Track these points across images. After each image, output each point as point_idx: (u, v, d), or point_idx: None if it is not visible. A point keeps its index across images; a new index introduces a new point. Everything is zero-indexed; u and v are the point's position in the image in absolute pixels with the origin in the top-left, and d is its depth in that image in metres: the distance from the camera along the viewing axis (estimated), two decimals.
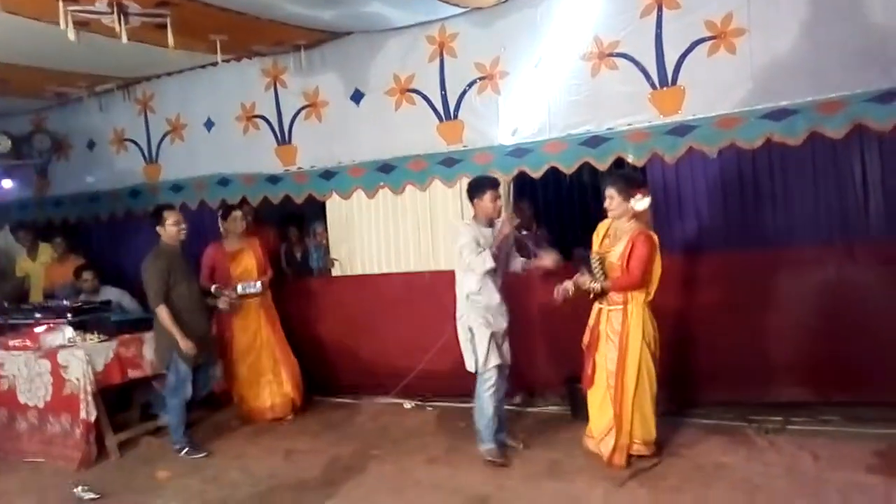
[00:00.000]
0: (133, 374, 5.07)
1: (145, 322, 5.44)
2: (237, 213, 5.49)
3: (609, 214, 4.03)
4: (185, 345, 4.70)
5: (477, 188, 4.36)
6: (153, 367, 5.19)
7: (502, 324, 4.32)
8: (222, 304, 5.26)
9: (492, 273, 4.25)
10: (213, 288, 5.30)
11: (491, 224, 4.33)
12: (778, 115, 4.42)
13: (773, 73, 4.43)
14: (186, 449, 4.84)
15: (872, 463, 3.73)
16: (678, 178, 4.92)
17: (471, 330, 4.26)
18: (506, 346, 4.38)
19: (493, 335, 4.25)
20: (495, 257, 4.20)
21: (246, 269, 5.40)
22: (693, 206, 4.95)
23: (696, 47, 4.61)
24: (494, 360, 4.25)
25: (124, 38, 4.50)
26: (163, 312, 4.73)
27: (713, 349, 4.66)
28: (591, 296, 4.10)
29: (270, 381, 5.44)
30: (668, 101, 4.73)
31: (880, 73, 4.18)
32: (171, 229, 4.88)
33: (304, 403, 5.41)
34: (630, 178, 4.13)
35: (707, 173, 4.86)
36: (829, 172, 4.56)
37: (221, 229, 5.51)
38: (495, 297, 4.30)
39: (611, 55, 4.85)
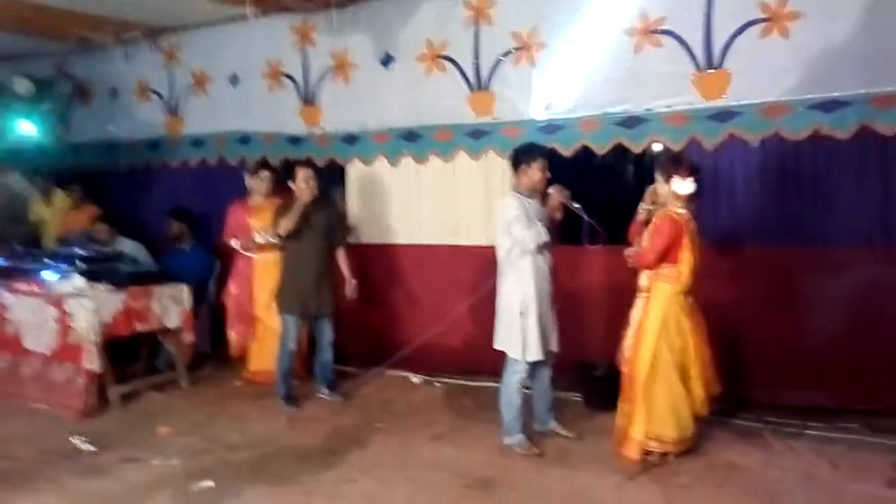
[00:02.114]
0: (141, 326, 5.00)
1: (158, 276, 5.39)
2: (266, 174, 5.43)
3: (657, 198, 3.82)
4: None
5: (525, 155, 4.05)
6: (160, 322, 5.11)
7: (549, 307, 4.07)
8: (239, 246, 5.36)
9: (544, 249, 4.00)
10: (233, 242, 5.36)
11: (533, 196, 4.05)
12: (828, 106, 4.20)
13: (827, 62, 4.20)
14: (281, 401, 4.87)
15: (893, 476, 3.55)
16: (716, 166, 4.69)
17: (521, 315, 3.94)
18: (555, 334, 4.11)
19: (543, 323, 4.00)
20: (547, 231, 3.94)
21: (266, 224, 5.26)
22: (728, 198, 4.72)
23: (748, 29, 4.38)
24: (537, 355, 3.98)
25: None
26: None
27: (734, 346, 4.47)
28: (629, 264, 3.90)
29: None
30: (712, 84, 4.51)
31: None
32: (301, 186, 4.82)
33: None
34: (674, 158, 3.92)
35: (747, 163, 4.63)
36: (875, 171, 4.31)
37: (248, 185, 5.46)
38: (547, 278, 4.05)
39: (655, 32, 4.63)
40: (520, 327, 3.96)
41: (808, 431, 4.19)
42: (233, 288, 5.55)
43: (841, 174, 4.38)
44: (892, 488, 3.42)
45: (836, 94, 4.18)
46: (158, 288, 5.17)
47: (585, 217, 4.01)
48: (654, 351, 3.73)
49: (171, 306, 5.20)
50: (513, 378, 4.04)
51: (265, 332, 5.33)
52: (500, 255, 4.05)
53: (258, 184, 5.41)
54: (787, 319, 4.49)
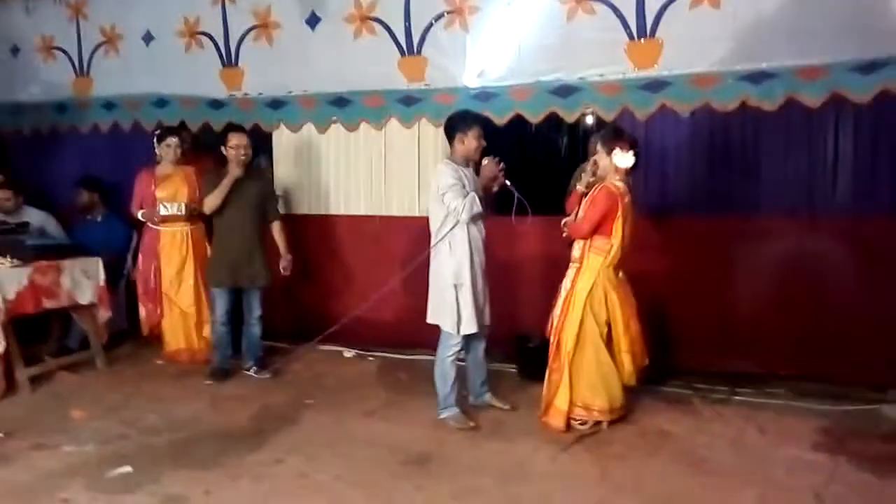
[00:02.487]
0: (48, 303, 4.65)
1: (67, 249, 5.04)
2: (173, 140, 5.08)
3: (597, 171, 3.78)
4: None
5: (461, 123, 3.91)
6: (71, 298, 4.78)
7: (483, 279, 3.98)
8: (144, 217, 5.08)
9: (478, 219, 3.90)
10: (139, 213, 5.04)
11: (468, 164, 3.94)
12: (756, 77, 4.25)
13: (756, 33, 4.24)
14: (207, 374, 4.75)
15: (818, 440, 3.68)
16: (647, 137, 4.69)
17: (455, 287, 3.84)
18: (488, 307, 4.02)
19: (477, 296, 3.90)
20: (481, 201, 3.83)
21: (172, 193, 5.01)
22: (659, 169, 4.74)
23: None
24: (472, 328, 3.89)
25: None
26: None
27: (663, 315, 4.54)
28: (564, 234, 3.88)
29: (192, 322, 5.08)
30: (644, 53, 4.49)
31: (863, 43, 4.04)
32: (230, 152, 4.58)
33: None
34: (616, 131, 3.88)
35: (677, 134, 4.65)
36: (801, 143, 4.40)
37: (157, 153, 5.11)
38: (480, 249, 3.94)
39: None
40: (454, 300, 3.87)
41: (736, 398, 4.31)
42: (140, 263, 5.25)
43: (768, 145, 4.46)
44: (817, 451, 3.54)
45: (763, 65, 4.23)
46: (69, 262, 4.82)
47: (516, 193, 3.91)
48: (580, 321, 3.74)
49: (83, 281, 4.87)
50: (447, 352, 3.97)
51: (173, 310, 5.09)
52: (434, 224, 3.93)
53: (165, 150, 5.08)
54: (716, 288, 4.58)
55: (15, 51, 6.46)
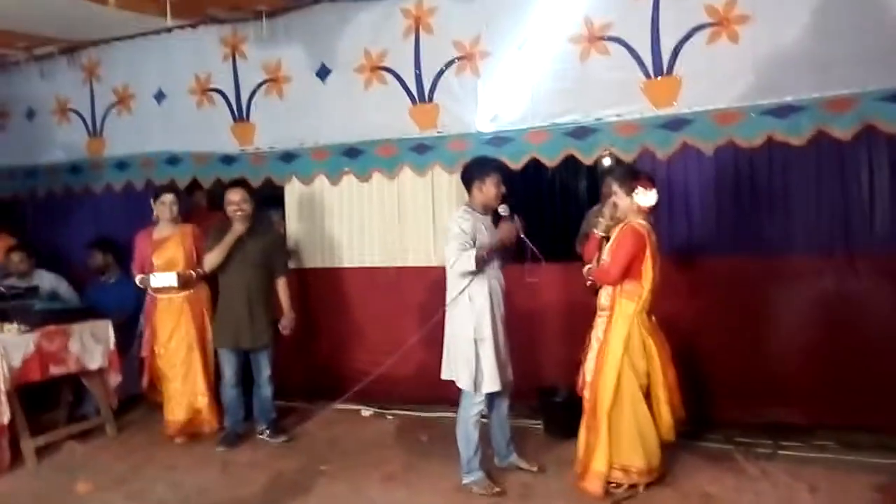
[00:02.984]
0: (56, 370, 4.51)
1: (77, 312, 4.93)
2: (168, 198, 4.78)
3: (615, 212, 3.61)
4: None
5: (479, 170, 3.76)
6: (80, 363, 4.64)
7: (503, 333, 3.77)
8: (141, 284, 4.83)
9: (495, 271, 3.73)
10: (137, 279, 4.82)
11: (487, 212, 3.77)
12: (781, 111, 4.06)
13: (778, 66, 4.07)
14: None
15: (875, 498, 3.38)
16: (669, 176, 4.51)
17: (476, 342, 3.63)
18: (509, 364, 3.80)
19: (499, 350, 3.69)
20: (499, 252, 3.66)
21: (169, 260, 4.73)
22: (684, 208, 4.55)
23: (695, 34, 4.24)
24: (495, 385, 3.66)
25: None
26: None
27: (698, 364, 4.28)
28: (587, 283, 3.68)
29: (181, 392, 4.72)
30: (662, 91, 4.34)
31: (892, 71, 3.83)
32: (227, 209, 4.48)
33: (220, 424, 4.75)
34: (634, 171, 3.72)
35: (701, 172, 4.46)
36: (834, 177, 4.19)
37: (154, 212, 4.87)
38: (500, 300, 3.74)
39: (602, 38, 4.44)
40: (474, 355, 3.65)
41: (781, 452, 4.01)
42: (145, 329, 4.96)
43: (799, 181, 4.24)
44: None
45: (788, 98, 4.05)
46: (78, 326, 4.70)
47: (529, 244, 3.73)
48: (618, 374, 3.48)
49: (92, 345, 4.74)
50: (470, 412, 3.73)
51: (167, 381, 4.75)
52: (450, 273, 3.73)
53: (160, 209, 4.77)
54: (751, 333, 4.32)
55: (30, 114, 6.51)
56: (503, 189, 3.75)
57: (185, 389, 4.72)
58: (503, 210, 3.74)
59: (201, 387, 4.73)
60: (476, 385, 3.65)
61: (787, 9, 4.04)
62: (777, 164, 4.28)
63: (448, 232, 3.71)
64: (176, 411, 4.72)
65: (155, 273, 4.70)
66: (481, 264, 3.60)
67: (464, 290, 3.66)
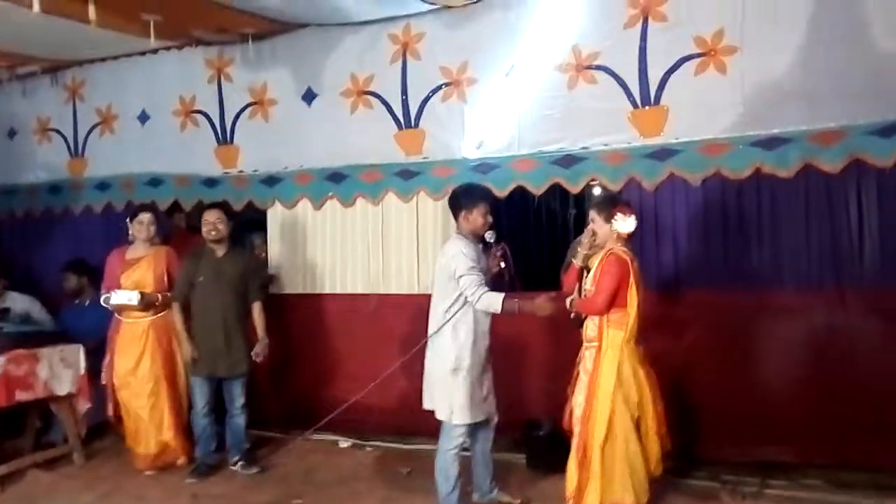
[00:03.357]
0: (22, 395, 4.35)
1: (48, 336, 4.78)
2: (146, 217, 4.62)
3: (595, 240, 3.54)
4: (185, 349, 4.40)
5: (467, 198, 3.69)
6: (48, 389, 4.48)
7: (488, 367, 3.69)
8: (103, 303, 4.60)
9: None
10: (102, 297, 4.61)
11: (474, 239, 3.69)
12: (769, 143, 4.03)
13: (766, 98, 4.05)
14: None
15: None
16: (656, 207, 4.46)
17: (454, 371, 3.53)
18: (492, 396, 3.72)
19: (479, 382, 3.60)
20: (486, 280, 3.58)
21: (137, 281, 4.54)
22: (671, 239, 4.48)
23: (683, 64, 4.22)
24: (472, 416, 3.56)
25: (36, 7, 3.87)
26: (173, 311, 4.44)
27: (684, 400, 4.17)
28: (572, 315, 3.59)
29: (146, 424, 4.52)
30: (649, 121, 4.30)
31: (882, 104, 3.83)
32: (203, 229, 4.40)
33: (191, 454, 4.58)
34: (612, 198, 3.70)
35: (689, 203, 4.41)
36: (822, 210, 4.13)
37: (130, 232, 4.69)
38: (486, 333, 3.65)
39: (590, 67, 4.42)
40: (455, 386, 3.55)
41: (768, 490, 3.89)
42: (107, 354, 4.71)
43: (788, 214, 4.18)
44: None
45: (776, 130, 4.02)
46: (48, 350, 4.56)
47: (512, 271, 3.69)
48: (610, 409, 3.36)
49: (61, 370, 4.59)
50: (450, 444, 3.60)
51: (129, 412, 4.55)
52: (441, 303, 3.62)
53: (137, 228, 4.59)
54: (738, 368, 4.22)
55: (12, 133, 6.43)
56: (490, 219, 3.69)
57: (152, 422, 4.51)
58: (489, 237, 3.68)
59: (169, 421, 4.53)
60: (453, 416, 3.54)
61: (774, 41, 4.03)
62: (765, 196, 4.22)
63: (448, 264, 3.60)
64: (143, 444, 4.52)
65: (117, 290, 4.50)
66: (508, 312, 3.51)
67: (448, 320, 3.56)
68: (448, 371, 3.55)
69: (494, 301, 3.47)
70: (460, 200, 3.72)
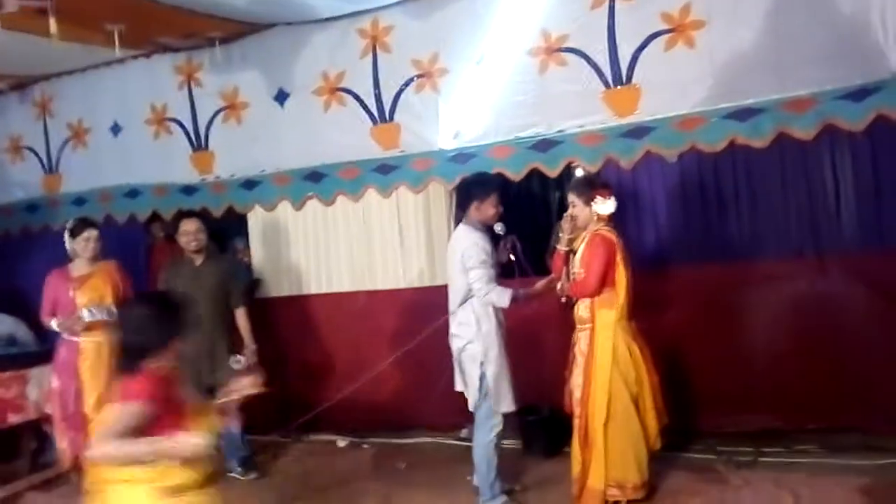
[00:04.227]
0: (13, 418, 4.36)
1: (36, 357, 4.74)
2: (93, 233, 4.39)
3: (576, 224, 3.58)
4: None
5: (479, 189, 3.71)
6: (39, 409, 4.45)
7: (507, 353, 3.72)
8: (60, 327, 4.30)
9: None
10: (53, 323, 4.31)
11: (483, 229, 3.71)
12: (742, 114, 4.03)
13: (736, 70, 4.05)
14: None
15: (859, 501, 3.32)
16: (635, 185, 4.48)
17: (483, 365, 3.57)
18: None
19: (508, 371, 3.64)
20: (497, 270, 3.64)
21: (96, 297, 4.33)
22: (651, 216, 4.51)
23: (652, 42, 4.20)
24: (510, 405, 3.63)
25: None
26: None
27: (674, 374, 4.19)
28: (562, 299, 3.62)
29: None
30: (622, 100, 4.30)
31: (852, 69, 3.82)
32: (181, 240, 4.34)
33: None
34: (590, 180, 3.71)
35: (666, 179, 4.43)
36: (798, 178, 4.18)
37: (68, 249, 4.44)
38: (502, 320, 3.68)
39: (559, 50, 4.40)
40: (490, 378, 3.59)
41: (763, 459, 3.95)
42: (56, 383, 4.36)
43: (765, 184, 4.23)
44: None
45: (749, 101, 4.02)
46: (37, 370, 4.55)
47: (522, 261, 3.73)
48: (609, 388, 3.40)
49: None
50: (488, 435, 3.63)
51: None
52: (457, 294, 3.68)
53: (82, 246, 4.35)
54: (725, 340, 4.27)
55: None
56: (501, 209, 3.71)
57: None
58: (499, 228, 3.71)
59: None
60: (493, 406, 3.59)
61: (741, 12, 4.03)
62: (741, 168, 4.26)
63: (461, 255, 3.63)
64: None
65: (85, 308, 4.27)
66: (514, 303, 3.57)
67: (467, 309, 3.62)
68: (478, 365, 3.60)
69: (502, 298, 3.54)
70: (472, 190, 3.75)
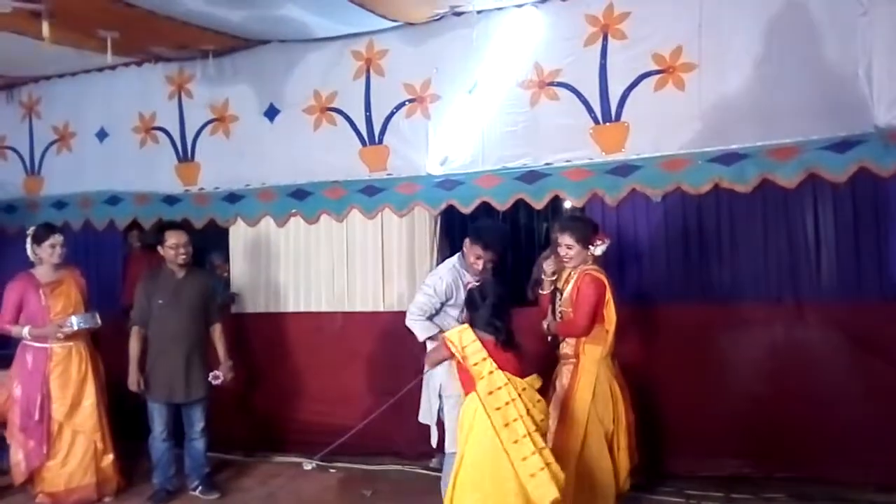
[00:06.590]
0: None
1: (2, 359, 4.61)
2: (58, 239, 4.24)
3: (566, 265, 3.59)
4: (132, 378, 4.19)
5: (476, 234, 3.67)
6: (1, 413, 4.32)
7: None
8: (37, 336, 4.17)
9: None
10: (24, 331, 4.15)
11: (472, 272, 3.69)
12: (727, 158, 4.08)
13: (724, 114, 4.11)
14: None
15: None
16: (619, 223, 4.49)
17: (441, 399, 3.53)
18: None
19: None
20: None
21: (70, 304, 4.25)
22: (633, 254, 4.52)
23: (643, 81, 4.26)
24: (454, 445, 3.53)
25: None
26: (132, 336, 4.25)
27: (648, 415, 4.16)
28: (549, 338, 3.64)
29: (90, 457, 4.26)
30: (610, 137, 4.34)
31: (836, 120, 3.89)
32: (168, 252, 4.23)
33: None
34: (588, 224, 3.70)
35: (650, 219, 4.45)
36: (780, 224, 4.20)
37: (30, 255, 4.29)
38: None
39: (551, 84, 4.45)
40: (445, 414, 3.54)
41: None
42: (18, 391, 4.20)
43: (747, 228, 4.26)
44: None
45: (734, 146, 4.07)
46: (0, 373, 4.40)
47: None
48: (586, 426, 3.39)
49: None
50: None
51: (72, 440, 4.23)
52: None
53: (48, 252, 4.21)
54: (702, 384, 4.24)
55: None
56: (489, 257, 3.62)
57: (89, 453, 4.28)
58: (471, 285, 3.53)
59: (109, 445, 4.35)
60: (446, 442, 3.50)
61: (732, 58, 4.10)
62: (724, 211, 4.29)
63: (425, 280, 3.68)
64: (74, 476, 4.24)
65: (75, 316, 4.16)
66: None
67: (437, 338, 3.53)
68: (436, 398, 3.58)
69: (419, 330, 3.61)
70: (469, 234, 3.73)
